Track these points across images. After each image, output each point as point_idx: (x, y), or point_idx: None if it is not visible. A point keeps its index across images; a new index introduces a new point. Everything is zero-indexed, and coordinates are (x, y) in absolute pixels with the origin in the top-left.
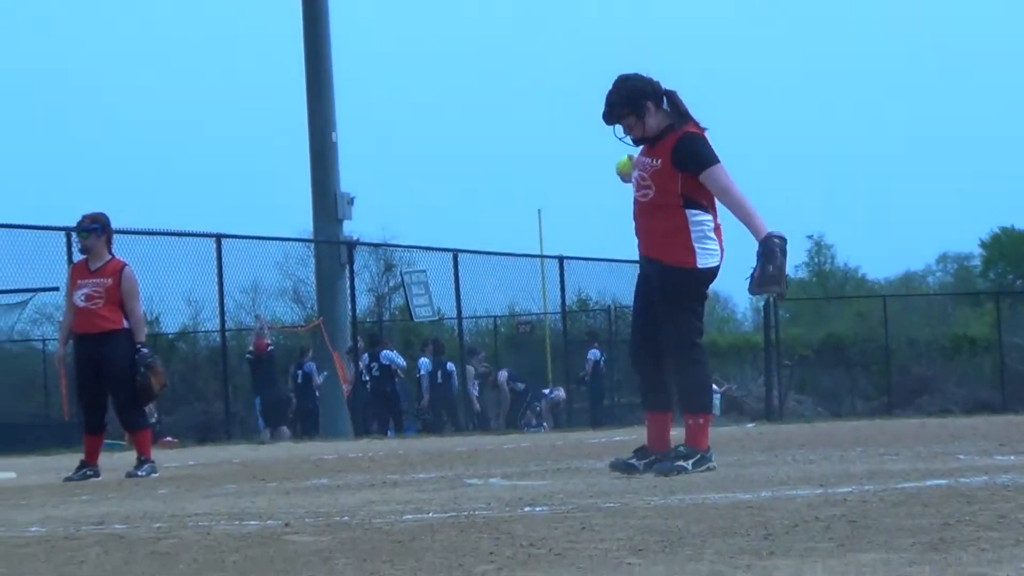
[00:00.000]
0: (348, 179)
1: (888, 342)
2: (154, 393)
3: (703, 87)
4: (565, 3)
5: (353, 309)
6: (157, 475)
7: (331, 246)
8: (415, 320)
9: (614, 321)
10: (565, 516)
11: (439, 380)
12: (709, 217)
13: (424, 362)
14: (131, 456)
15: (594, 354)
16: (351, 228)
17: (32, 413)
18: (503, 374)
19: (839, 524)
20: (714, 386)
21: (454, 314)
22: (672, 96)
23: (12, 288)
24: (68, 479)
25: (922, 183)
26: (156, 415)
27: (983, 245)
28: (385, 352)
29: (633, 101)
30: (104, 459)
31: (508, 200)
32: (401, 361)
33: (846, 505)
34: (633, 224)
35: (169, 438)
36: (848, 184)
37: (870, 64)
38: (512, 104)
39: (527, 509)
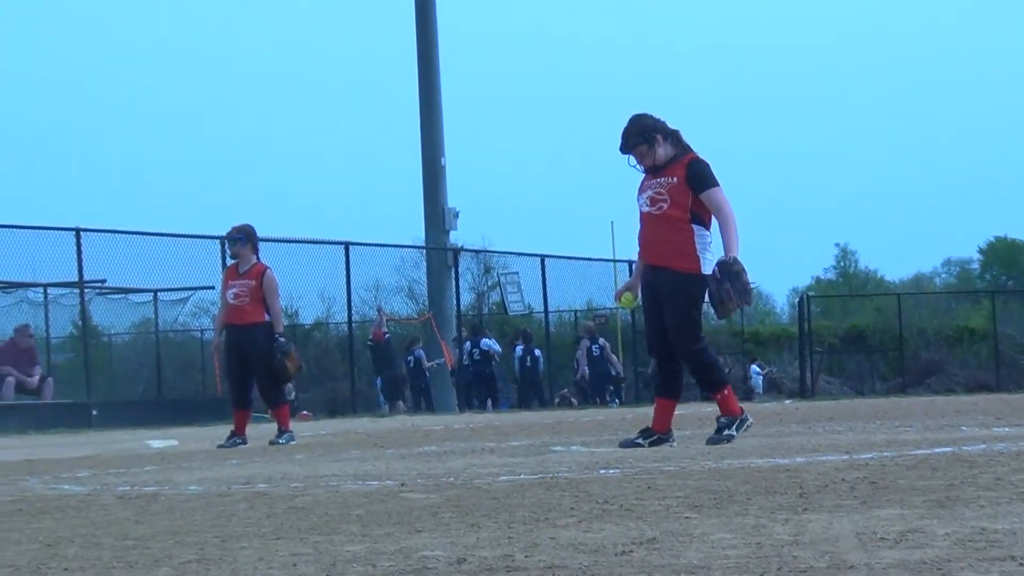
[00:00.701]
0: (454, 195)
1: (902, 332)
2: (290, 375)
3: (740, 111)
4: (630, 40)
5: (457, 304)
6: (295, 443)
7: (439, 252)
8: (509, 313)
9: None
10: (633, 477)
11: (528, 364)
12: (708, 233)
13: (519, 348)
14: (273, 427)
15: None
16: (456, 237)
17: (191, 391)
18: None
19: (862, 485)
20: (757, 368)
21: (542, 308)
22: (676, 134)
23: (175, 287)
24: (220, 446)
25: (930, 198)
26: (294, 392)
27: (981, 251)
28: (484, 340)
29: (645, 133)
30: (250, 430)
31: (587, 212)
32: (497, 347)
33: (868, 469)
34: (639, 236)
35: (305, 412)
36: (869, 199)
37: (893, 92)
38: (591, 128)
39: (602, 472)
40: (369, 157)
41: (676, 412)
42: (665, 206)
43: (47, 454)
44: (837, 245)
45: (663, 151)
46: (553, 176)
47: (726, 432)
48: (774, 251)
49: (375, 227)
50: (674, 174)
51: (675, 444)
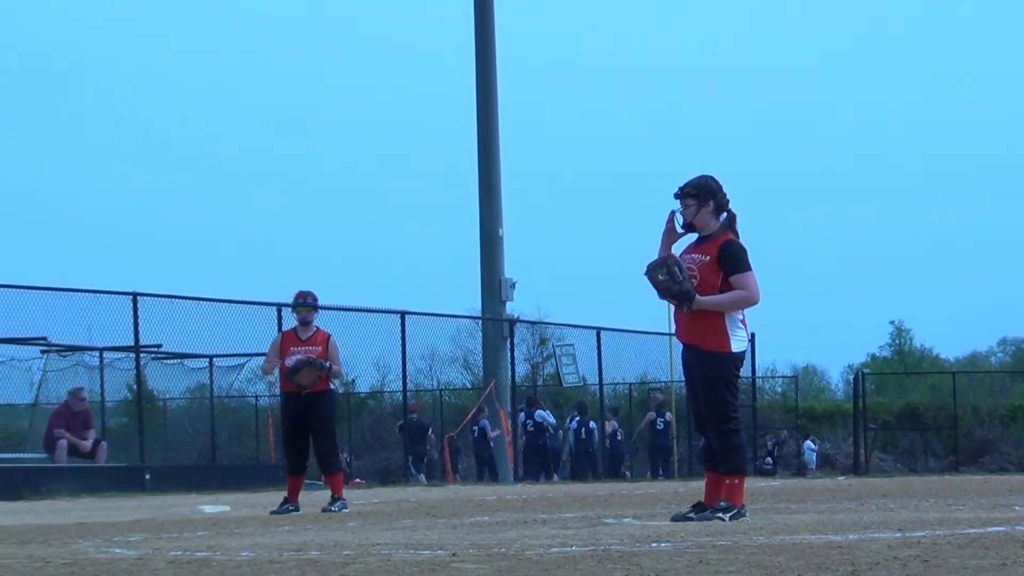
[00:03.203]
0: (511, 266)
1: (956, 410)
2: (303, 380)
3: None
4: (687, 113)
5: (512, 375)
6: (347, 511)
7: (496, 322)
8: (564, 385)
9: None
10: (685, 551)
11: (583, 436)
12: (739, 312)
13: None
14: (326, 494)
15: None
16: (512, 307)
17: (245, 456)
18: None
19: (914, 563)
20: (811, 444)
21: (596, 380)
22: (733, 217)
23: (231, 352)
24: (273, 513)
25: (987, 277)
26: (348, 459)
27: None
28: (539, 411)
29: (701, 191)
30: (303, 497)
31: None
32: (552, 419)
33: (920, 547)
34: (675, 315)
35: (358, 480)
36: (925, 277)
37: (950, 169)
38: (649, 201)
39: (654, 545)
40: (427, 227)
41: None
42: (695, 283)
43: (100, 517)
44: (892, 323)
45: (707, 217)
46: (610, 248)
47: (719, 515)
48: (830, 328)
49: (431, 297)
50: (708, 252)
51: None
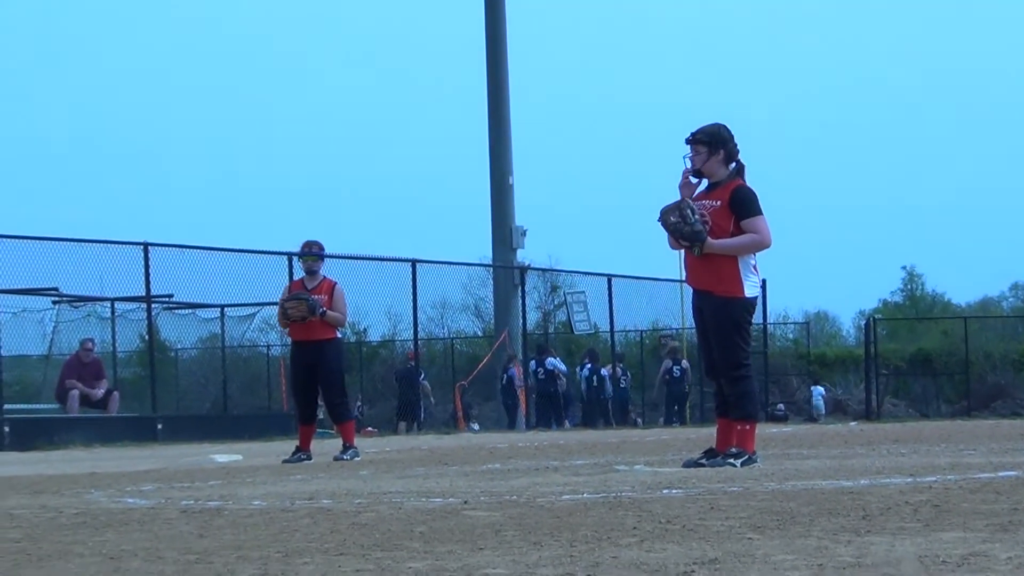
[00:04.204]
0: (521, 214)
1: (968, 356)
2: (289, 312)
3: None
4: (702, 60)
5: (524, 323)
6: (359, 459)
7: (507, 270)
8: (575, 333)
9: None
10: (696, 498)
11: (594, 384)
12: (751, 256)
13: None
14: (338, 443)
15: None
16: (523, 255)
17: (257, 406)
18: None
19: (925, 508)
20: (822, 390)
21: (608, 328)
22: (741, 165)
23: (242, 302)
24: (285, 461)
25: (998, 222)
26: (360, 408)
27: None
28: (549, 359)
29: (713, 139)
30: (315, 445)
31: (654, 232)
32: (563, 367)
33: (931, 492)
34: (684, 258)
35: (370, 428)
36: (936, 222)
37: (961, 116)
38: (659, 148)
39: (665, 491)
40: (437, 175)
41: None
42: (708, 228)
43: (112, 467)
44: (904, 268)
45: (715, 165)
46: (621, 195)
47: (730, 460)
48: (841, 274)
49: (442, 245)
50: (719, 198)
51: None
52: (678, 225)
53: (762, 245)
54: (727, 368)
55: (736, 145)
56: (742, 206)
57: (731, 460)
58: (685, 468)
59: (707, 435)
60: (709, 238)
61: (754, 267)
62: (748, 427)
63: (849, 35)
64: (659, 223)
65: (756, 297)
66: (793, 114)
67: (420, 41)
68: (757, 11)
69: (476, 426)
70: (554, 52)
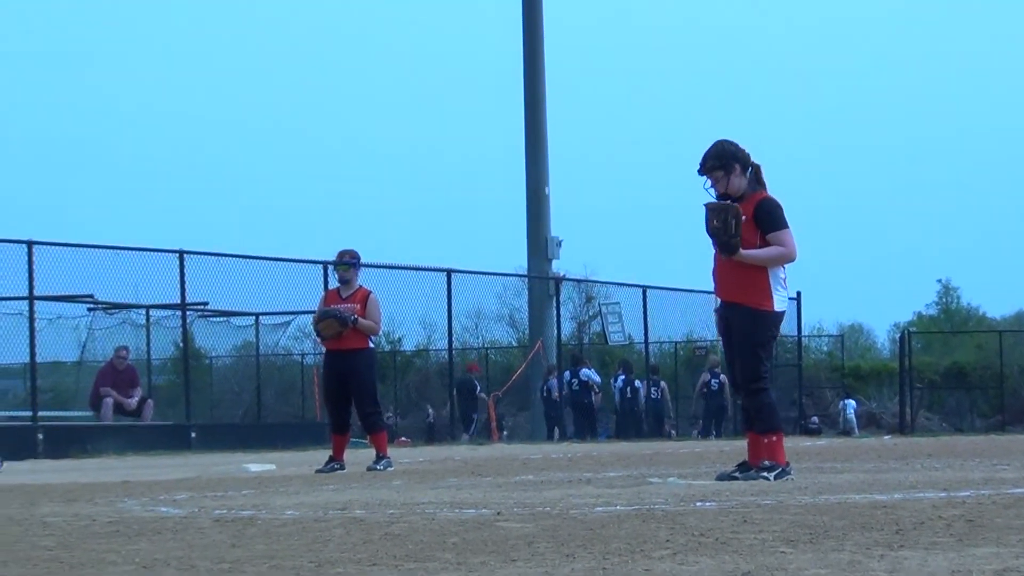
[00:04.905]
0: (557, 224)
1: (1003, 369)
2: (323, 328)
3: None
4: (737, 73)
5: (558, 333)
6: (392, 469)
7: (542, 280)
8: (610, 343)
9: (774, 348)
10: (730, 511)
11: (628, 395)
12: (781, 268)
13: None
14: (371, 453)
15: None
16: (558, 266)
17: (291, 415)
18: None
19: (959, 522)
20: (854, 403)
21: (642, 339)
22: (757, 169)
23: (277, 311)
24: (318, 471)
25: None
26: (393, 418)
27: None
28: (584, 370)
29: (723, 160)
30: (349, 455)
31: (689, 243)
32: (597, 377)
33: (965, 506)
34: (713, 271)
35: (403, 438)
36: (973, 235)
37: (997, 130)
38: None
39: (698, 504)
40: (473, 185)
41: None
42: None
43: (146, 475)
44: (939, 281)
45: (738, 182)
46: (657, 207)
47: (762, 474)
48: (876, 286)
49: (477, 255)
50: (744, 212)
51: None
52: (718, 230)
53: (788, 258)
54: (746, 380)
55: (745, 151)
56: (767, 220)
57: (764, 474)
58: (719, 481)
59: (740, 447)
60: (741, 250)
61: (783, 280)
62: (775, 439)
63: (888, 47)
64: (704, 212)
65: (783, 312)
66: (831, 126)
67: (457, 50)
68: (797, 24)
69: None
70: (591, 62)
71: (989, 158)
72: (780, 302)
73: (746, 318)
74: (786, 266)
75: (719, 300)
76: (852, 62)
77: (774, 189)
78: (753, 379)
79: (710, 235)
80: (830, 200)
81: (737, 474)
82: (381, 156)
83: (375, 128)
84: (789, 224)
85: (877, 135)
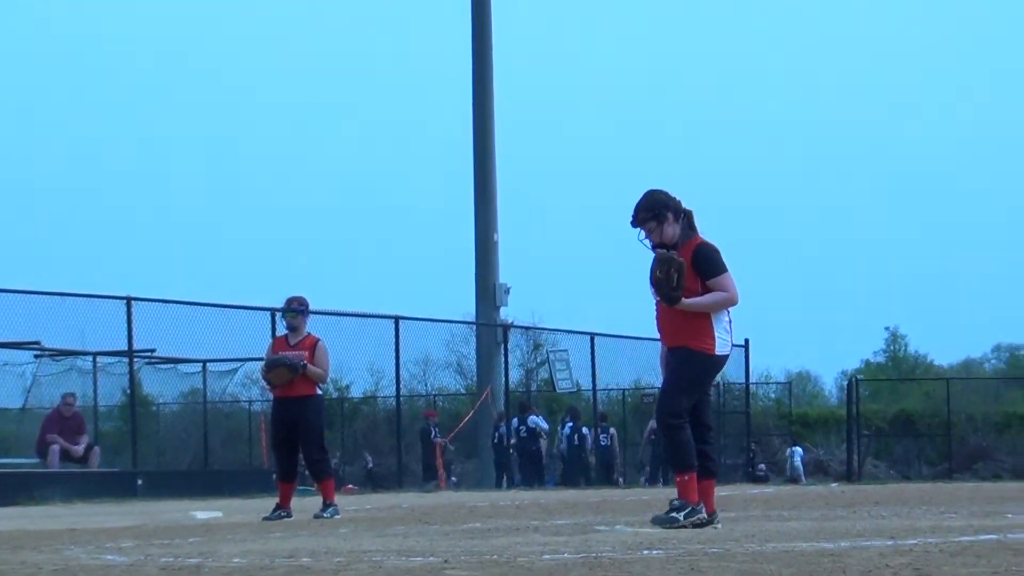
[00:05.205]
0: (505, 271)
1: (950, 417)
2: (273, 376)
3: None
4: (680, 120)
5: (506, 380)
6: (339, 517)
7: (489, 328)
8: (558, 391)
9: (723, 394)
10: (677, 559)
11: (576, 442)
12: (725, 311)
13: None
14: (318, 500)
15: None
16: (506, 313)
17: (238, 462)
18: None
19: (906, 571)
20: (800, 451)
21: (590, 386)
22: (689, 214)
23: (225, 357)
24: (265, 519)
25: (981, 283)
26: (340, 466)
27: None
28: (532, 417)
29: (655, 210)
30: (295, 503)
31: (637, 291)
32: (545, 425)
33: (912, 555)
34: (656, 321)
35: (350, 485)
36: (920, 283)
37: (944, 178)
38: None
39: (646, 552)
40: (421, 232)
41: (722, 494)
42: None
43: (92, 523)
44: (887, 329)
45: (672, 230)
46: (604, 254)
47: (673, 514)
48: (824, 334)
49: (425, 302)
50: (682, 259)
51: (719, 525)
52: (661, 282)
53: (730, 302)
54: (665, 414)
55: (676, 199)
56: (706, 266)
57: (674, 514)
58: (655, 524)
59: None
60: (683, 299)
61: (728, 324)
62: (688, 478)
63: (835, 94)
64: (652, 267)
65: (726, 356)
66: (779, 174)
67: (406, 95)
68: (744, 74)
69: (455, 479)
70: (540, 110)
71: (937, 206)
72: (722, 346)
73: (684, 357)
74: (730, 309)
75: (665, 347)
76: (803, 109)
77: (725, 236)
78: (672, 414)
79: (652, 285)
80: (778, 248)
81: (676, 515)
82: (328, 202)
83: (322, 174)
84: (728, 268)
85: (825, 184)
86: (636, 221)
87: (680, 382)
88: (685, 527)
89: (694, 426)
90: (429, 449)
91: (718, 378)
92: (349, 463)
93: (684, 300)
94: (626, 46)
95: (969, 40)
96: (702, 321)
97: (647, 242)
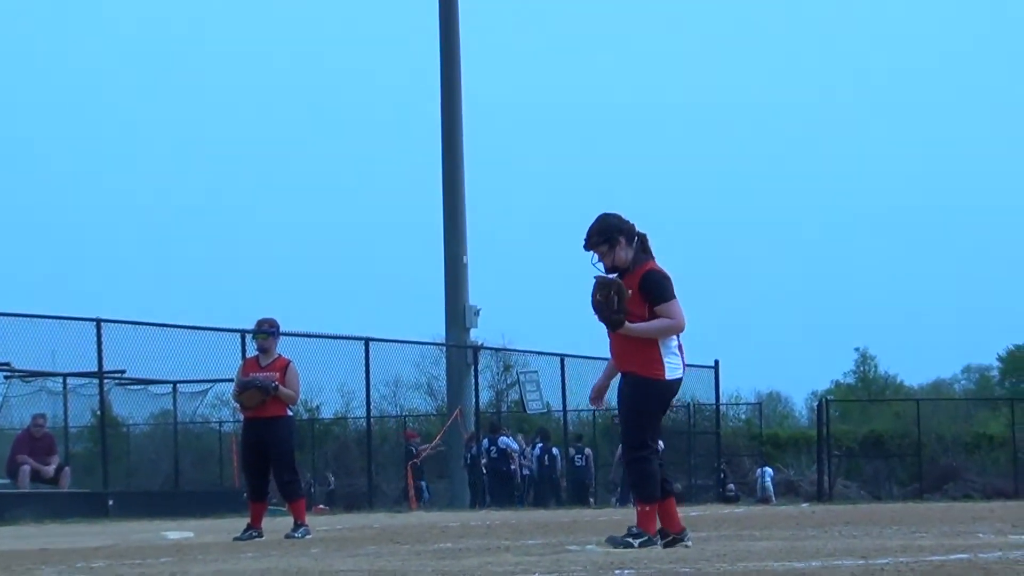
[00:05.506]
0: (475, 293)
1: (920, 437)
2: (245, 399)
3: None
4: (646, 149)
5: (476, 401)
6: (310, 537)
7: (460, 349)
8: (528, 412)
9: (693, 415)
10: None
11: (546, 463)
12: (673, 337)
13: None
14: (289, 520)
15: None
16: (476, 334)
17: (209, 482)
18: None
19: None
20: (771, 471)
21: (561, 407)
22: (643, 238)
23: (195, 379)
24: (237, 539)
25: (950, 305)
26: (328, 484)
27: (1000, 359)
28: (502, 438)
29: (607, 234)
30: (267, 523)
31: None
32: (516, 445)
33: (883, 574)
34: (609, 345)
35: (321, 506)
36: (889, 304)
37: (913, 201)
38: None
39: (617, 572)
40: (391, 253)
41: (692, 514)
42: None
43: (63, 543)
44: (857, 350)
45: (624, 254)
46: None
47: (627, 539)
48: (794, 355)
49: (395, 323)
50: (629, 286)
51: (689, 543)
52: (602, 305)
53: (675, 329)
54: (630, 448)
55: (629, 223)
56: (653, 292)
57: (629, 539)
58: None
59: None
60: (627, 322)
61: (678, 348)
62: (648, 509)
63: (808, 114)
64: (592, 291)
65: (678, 379)
66: (749, 196)
67: (375, 116)
68: (714, 98)
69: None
70: (509, 131)
71: (906, 228)
72: (673, 370)
73: (635, 387)
74: (679, 335)
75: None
76: (773, 126)
77: (695, 257)
78: (636, 447)
79: (594, 309)
80: (747, 269)
81: (631, 540)
82: (298, 224)
83: (291, 196)
84: (675, 295)
85: (794, 205)
86: (588, 245)
87: (638, 416)
88: None
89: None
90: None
91: (688, 399)
92: (321, 483)
93: (628, 324)
94: (596, 67)
95: (933, 64)
96: (650, 347)
97: (600, 265)
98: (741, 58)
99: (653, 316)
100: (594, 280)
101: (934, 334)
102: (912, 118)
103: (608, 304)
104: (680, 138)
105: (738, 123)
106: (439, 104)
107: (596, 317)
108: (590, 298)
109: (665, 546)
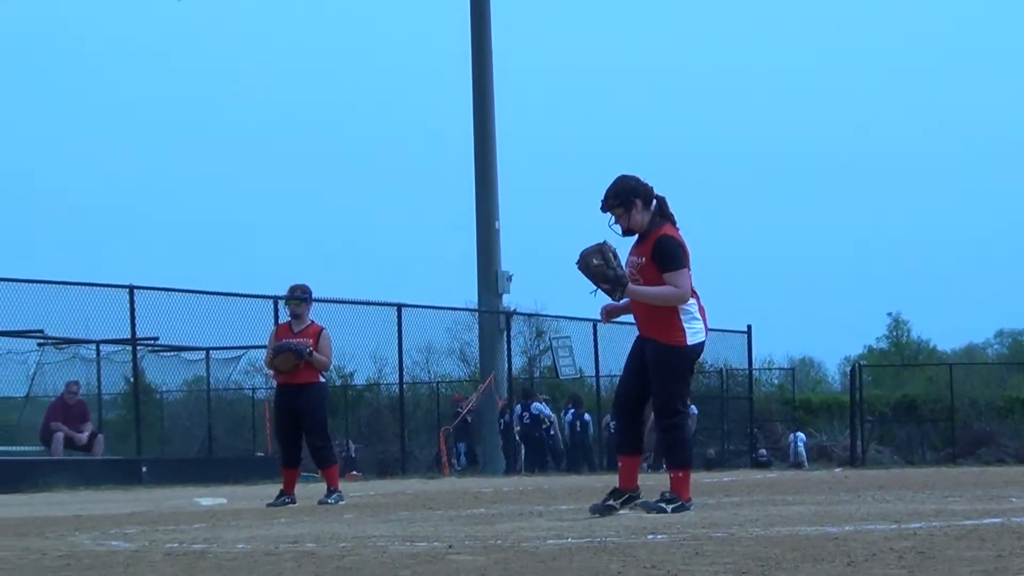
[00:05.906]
0: (507, 258)
1: (953, 402)
2: (278, 361)
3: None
4: (684, 112)
5: (509, 367)
6: (343, 503)
7: (492, 315)
8: (560, 377)
9: (726, 380)
10: (681, 543)
11: (578, 429)
12: (693, 301)
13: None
14: (322, 487)
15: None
16: (509, 300)
17: (242, 449)
18: None
19: (910, 554)
20: (803, 436)
21: (593, 373)
22: (662, 201)
23: (228, 345)
24: (270, 505)
25: (984, 269)
26: (349, 450)
27: None
28: (535, 404)
29: (623, 196)
30: (300, 489)
31: None
32: (548, 411)
33: (916, 538)
34: (633, 308)
35: (355, 472)
36: (922, 268)
37: (948, 166)
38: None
39: (650, 537)
40: (423, 220)
41: (725, 479)
42: (641, 284)
43: (96, 510)
44: (889, 315)
45: (640, 217)
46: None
47: (660, 504)
48: (826, 320)
49: (428, 289)
50: (643, 254)
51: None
52: (600, 268)
53: (677, 299)
54: (663, 415)
55: (647, 185)
56: (663, 258)
57: (663, 504)
58: (592, 513)
59: (694, 479)
60: (630, 283)
61: (700, 311)
62: (682, 475)
63: (840, 83)
64: (578, 267)
65: (701, 343)
66: (780, 159)
67: (406, 84)
68: (746, 65)
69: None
70: (541, 96)
71: (938, 192)
72: (694, 335)
73: (659, 353)
74: (693, 302)
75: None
76: (804, 99)
77: (728, 224)
78: (667, 414)
79: (601, 280)
80: (780, 234)
81: (612, 502)
82: (330, 191)
83: (324, 163)
84: (686, 264)
85: (827, 169)
86: (604, 206)
87: (666, 384)
88: None
89: (629, 405)
90: (469, 432)
91: (721, 364)
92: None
93: (632, 287)
94: (630, 33)
95: (966, 28)
96: (670, 315)
97: (616, 228)
98: (781, 28)
99: (662, 283)
100: (579, 257)
101: (967, 298)
102: (948, 81)
103: (607, 263)
104: (713, 105)
105: (770, 89)
106: (470, 69)
107: (599, 285)
108: (587, 275)
109: (622, 505)
